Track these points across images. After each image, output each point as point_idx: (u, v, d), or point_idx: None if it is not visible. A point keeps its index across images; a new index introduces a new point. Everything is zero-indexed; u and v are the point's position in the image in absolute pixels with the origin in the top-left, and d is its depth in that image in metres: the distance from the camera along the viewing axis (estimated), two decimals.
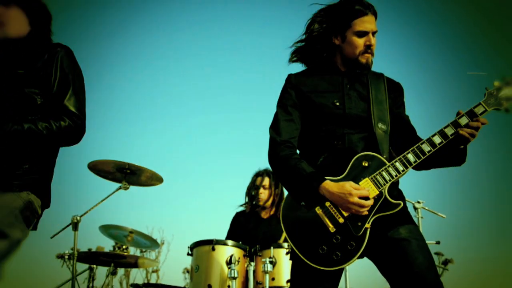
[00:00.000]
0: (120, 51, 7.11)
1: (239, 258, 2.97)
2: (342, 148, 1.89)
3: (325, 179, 1.79)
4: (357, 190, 1.75)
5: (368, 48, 1.98)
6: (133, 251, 5.65)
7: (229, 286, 2.89)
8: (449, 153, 1.90)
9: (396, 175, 1.81)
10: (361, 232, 1.76)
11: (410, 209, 3.16)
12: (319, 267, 1.74)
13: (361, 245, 1.75)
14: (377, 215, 1.79)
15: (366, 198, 1.76)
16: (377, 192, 1.80)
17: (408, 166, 1.83)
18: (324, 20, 2.05)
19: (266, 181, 3.78)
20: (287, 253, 3.02)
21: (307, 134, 1.98)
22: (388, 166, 1.82)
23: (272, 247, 3.01)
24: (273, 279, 2.95)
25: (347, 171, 1.83)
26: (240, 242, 3.16)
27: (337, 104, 1.96)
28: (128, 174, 3.32)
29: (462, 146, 1.88)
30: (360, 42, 1.97)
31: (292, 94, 2.02)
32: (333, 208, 1.79)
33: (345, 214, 1.78)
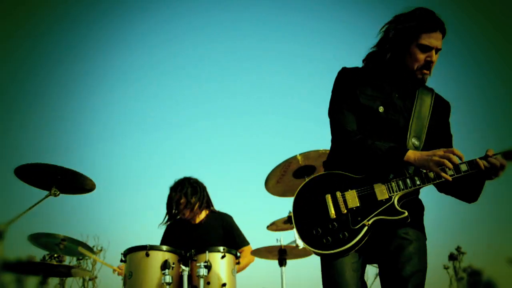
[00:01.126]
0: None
1: (173, 263, 2.93)
2: None
3: (408, 150, 1.88)
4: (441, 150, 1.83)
5: (428, 64, 2.01)
6: (69, 259, 5.46)
7: None
8: (466, 187, 1.98)
9: (410, 187, 1.90)
10: (357, 226, 1.86)
11: None
12: (307, 246, 1.87)
13: (353, 238, 1.83)
14: (379, 217, 1.87)
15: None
16: (387, 197, 1.90)
17: (426, 182, 1.90)
18: (397, 28, 2.03)
19: (183, 199, 3.75)
20: (222, 257, 3.02)
21: None
22: (407, 177, 1.91)
23: (207, 251, 3.00)
24: (208, 283, 2.93)
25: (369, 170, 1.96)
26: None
27: (381, 110, 2.03)
28: (58, 180, 3.19)
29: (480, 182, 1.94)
30: (421, 56, 1.99)
31: (347, 87, 2.06)
32: (341, 199, 1.92)
33: (350, 205, 1.90)
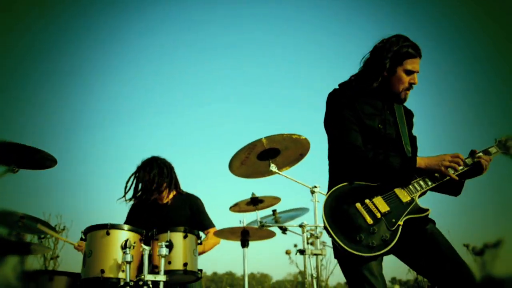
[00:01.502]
0: None
1: (134, 242, 2.91)
2: None
3: (416, 158, 2.24)
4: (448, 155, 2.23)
5: (411, 86, 2.35)
6: (30, 238, 5.34)
7: (123, 270, 2.83)
8: (451, 184, 2.33)
9: (425, 187, 2.24)
10: (394, 227, 2.10)
11: (307, 193, 3.30)
12: (359, 254, 2.03)
13: (394, 238, 2.08)
14: (408, 216, 2.15)
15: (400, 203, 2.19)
16: (409, 198, 2.20)
17: (436, 181, 2.25)
18: (381, 55, 2.34)
19: (150, 180, 3.67)
20: (184, 237, 3.02)
21: None
22: (420, 179, 2.25)
23: (169, 231, 2.99)
24: (169, 262, 2.92)
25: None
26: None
27: (380, 127, 2.32)
28: (17, 156, 3.11)
29: (463, 180, 2.33)
30: (406, 79, 2.33)
31: (349, 108, 2.31)
32: (372, 205, 2.14)
33: (382, 210, 2.13)
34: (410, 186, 2.24)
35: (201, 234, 3.69)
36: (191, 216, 3.73)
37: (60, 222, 6.47)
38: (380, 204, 2.15)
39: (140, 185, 3.76)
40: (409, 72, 2.33)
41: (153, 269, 2.91)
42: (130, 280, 2.75)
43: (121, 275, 2.81)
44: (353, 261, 2.10)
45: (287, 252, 6.20)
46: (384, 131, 2.33)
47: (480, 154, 2.31)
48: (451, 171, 2.21)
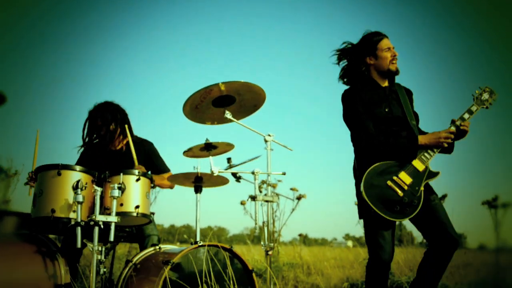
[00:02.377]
0: None
1: (86, 183, 2.90)
2: None
3: (418, 137, 2.88)
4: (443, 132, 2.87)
5: (394, 57, 3.03)
6: None
7: (74, 211, 2.83)
8: (446, 148, 2.96)
9: (433, 154, 2.90)
10: (418, 193, 2.80)
11: (261, 141, 3.35)
12: (396, 220, 2.76)
13: (420, 201, 2.78)
14: (426, 181, 2.85)
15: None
16: (424, 167, 2.86)
17: (436, 151, 2.90)
18: (356, 50, 3.13)
19: (103, 125, 3.70)
20: (137, 180, 3.03)
21: None
22: (426, 150, 2.89)
23: (122, 174, 2.99)
24: (121, 204, 2.95)
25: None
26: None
27: (386, 110, 2.98)
28: None
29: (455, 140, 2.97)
30: (387, 54, 3.02)
31: (360, 104, 2.95)
32: (399, 180, 2.80)
33: (407, 183, 2.80)
34: (422, 156, 2.87)
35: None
36: (145, 162, 3.75)
37: (11, 166, 6.33)
38: (405, 178, 2.81)
39: (93, 131, 3.72)
40: (387, 49, 3.02)
41: (105, 211, 2.93)
42: (81, 220, 2.76)
43: (72, 215, 2.82)
44: (377, 223, 2.80)
45: (242, 203, 6.34)
46: (391, 113, 2.97)
47: (459, 121, 2.91)
48: (444, 144, 2.86)
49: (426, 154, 2.89)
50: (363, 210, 2.86)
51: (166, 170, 3.88)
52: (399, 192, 2.78)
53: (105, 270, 3.01)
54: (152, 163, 3.83)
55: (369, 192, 2.77)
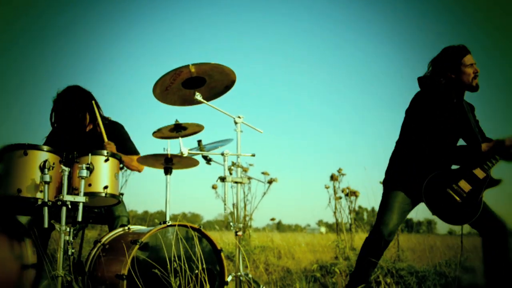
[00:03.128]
0: None
1: (53, 163, 2.88)
2: None
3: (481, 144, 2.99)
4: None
5: (476, 74, 3.07)
6: None
7: (41, 191, 2.80)
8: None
9: (495, 162, 3.02)
10: (478, 200, 2.96)
11: (231, 123, 3.37)
12: (459, 225, 3.08)
13: (479, 208, 2.95)
14: (487, 189, 3.00)
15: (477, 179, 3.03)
16: (485, 175, 3.01)
17: (501, 158, 3.03)
18: (439, 62, 3.16)
19: (71, 103, 3.65)
20: (105, 161, 3.02)
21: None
22: (488, 160, 3.02)
23: (90, 154, 2.97)
24: (89, 185, 2.93)
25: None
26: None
27: (451, 123, 3.12)
28: None
29: None
30: (470, 71, 3.05)
31: (432, 112, 3.05)
32: (458, 188, 3.00)
33: (466, 190, 2.99)
34: (484, 165, 3.01)
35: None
36: (116, 144, 3.73)
37: None
38: (464, 186, 3.00)
39: (60, 119, 3.68)
40: (471, 65, 3.05)
41: (73, 191, 2.91)
42: (48, 200, 2.74)
43: (39, 195, 2.79)
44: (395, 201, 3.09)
45: (213, 187, 6.37)
46: (460, 123, 3.15)
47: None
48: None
49: (488, 162, 3.02)
50: (387, 186, 3.19)
51: (136, 153, 3.87)
52: (457, 199, 2.99)
53: (73, 251, 3.00)
54: (122, 145, 3.81)
55: (431, 202, 3.01)
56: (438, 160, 3.05)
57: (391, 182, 3.22)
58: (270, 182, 6.43)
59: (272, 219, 7.34)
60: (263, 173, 6.49)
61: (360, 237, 6.66)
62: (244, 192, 6.58)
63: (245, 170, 6.28)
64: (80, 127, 3.69)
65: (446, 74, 3.10)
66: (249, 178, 5.98)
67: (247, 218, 6.42)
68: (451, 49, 3.11)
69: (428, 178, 3.02)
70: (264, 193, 6.40)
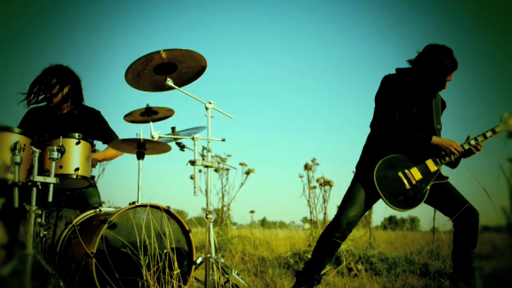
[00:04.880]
0: None
1: (24, 145, 2.92)
2: None
3: (433, 136, 3.12)
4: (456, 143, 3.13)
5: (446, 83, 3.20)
6: None
7: (12, 172, 2.85)
8: (453, 162, 3.28)
9: (444, 162, 3.17)
10: (424, 190, 3.10)
11: (202, 109, 3.44)
12: (397, 209, 3.06)
13: (423, 197, 3.09)
14: (434, 182, 3.13)
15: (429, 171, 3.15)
16: (436, 168, 3.15)
17: (449, 159, 3.17)
18: (429, 66, 3.14)
19: (55, 81, 3.66)
20: (77, 143, 3.07)
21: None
22: (442, 155, 3.17)
23: (61, 137, 3.02)
24: (60, 167, 2.98)
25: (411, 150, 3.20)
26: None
27: (415, 111, 3.19)
28: None
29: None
30: (445, 85, 3.21)
31: (394, 92, 3.19)
32: (410, 174, 3.11)
33: (416, 178, 3.11)
34: (437, 159, 3.16)
35: (100, 145, 3.78)
36: (93, 130, 3.77)
37: None
38: (415, 173, 3.12)
39: (43, 89, 3.69)
40: (448, 80, 3.17)
41: (44, 173, 2.95)
42: (19, 181, 2.79)
43: (9, 176, 2.84)
44: (358, 193, 3.17)
45: (191, 177, 6.42)
46: (418, 114, 3.19)
47: (473, 141, 3.18)
48: (453, 151, 3.11)
49: (441, 158, 3.17)
50: (355, 179, 3.27)
51: (115, 137, 3.90)
52: (407, 184, 3.10)
53: (45, 233, 3.05)
54: (101, 132, 3.85)
55: (379, 179, 3.08)
56: (391, 135, 3.14)
57: (355, 174, 3.32)
58: (247, 173, 6.51)
59: (252, 211, 7.43)
60: (240, 163, 6.57)
61: None
62: (222, 183, 6.66)
63: (223, 160, 6.34)
64: (61, 103, 3.70)
65: (426, 71, 3.16)
66: (219, 163, 6.06)
67: (225, 209, 6.50)
68: (445, 56, 3.13)
69: (383, 158, 3.12)
70: (242, 184, 6.47)
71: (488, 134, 3.21)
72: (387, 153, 3.16)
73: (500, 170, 3.06)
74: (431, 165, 3.16)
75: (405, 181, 3.10)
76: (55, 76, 3.66)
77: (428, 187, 3.11)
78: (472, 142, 3.20)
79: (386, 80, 3.25)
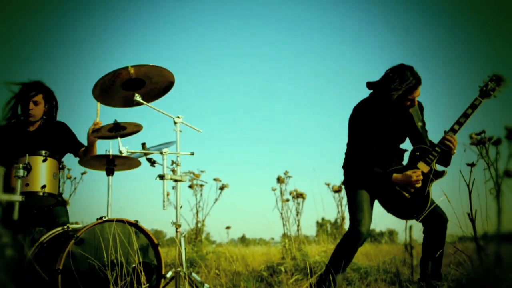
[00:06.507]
0: None
1: None
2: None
3: (393, 174, 3.19)
4: (414, 173, 3.14)
5: (413, 104, 3.22)
6: None
7: None
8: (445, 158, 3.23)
9: (436, 154, 3.16)
10: (425, 193, 3.15)
11: (170, 124, 3.47)
12: (409, 220, 3.25)
13: (428, 200, 3.14)
14: (432, 181, 3.16)
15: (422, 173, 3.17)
16: (429, 168, 3.16)
17: (439, 152, 3.17)
18: (390, 88, 3.14)
19: (39, 97, 3.67)
20: (43, 161, 3.06)
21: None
22: (430, 152, 3.18)
23: (27, 154, 3.01)
24: (27, 184, 2.97)
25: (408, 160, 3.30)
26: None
27: (385, 138, 3.31)
28: None
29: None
30: (411, 100, 3.20)
31: (367, 123, 3.26)
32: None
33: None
34: (427, 159, 3.17)
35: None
36: (66, 142, 3.76)
37: None
38: None
39: (22, 106, 3.67)
40: (414, 97, 3.14)
41: (10, 190, 2.93)
42: None
43: None
44: (359, 200, 3.24)
45: (167, 194, 6.41)
46: (390, 140, 3.31)
47: (450, 133, 3.14)
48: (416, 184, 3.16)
49: (430, 156, 3.17)
50: (350, 187, 3.32)
51: (83, 144, 3.88)
52: (406, 195, 3.16)
53: (12, 252, 3.01)
54: (72, 143, 3.84)
55: (380, 200, 3.25)
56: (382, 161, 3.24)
57: (353, 181, 3.35)
58: (221, 188, 6.53)
59: (228, 227, 7.42)
60: (214, 179, 6.59)
61: (305, 238, 6.85)
62: (196, 199, 6.66)
63: (196, 176, 6.36)
64: (35, 121, 3.69)
65: (391, 92, 3.13)
66: (192, 179, 6.07)
67: (199, 225, 6.49)
68: (409, 78, 3.10)
69: (376, 177, 3.18)
70: (216, 200, 6.49)
71: (462, 120, 3.14)
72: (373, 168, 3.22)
73: (460, 175, 3.16)
74: (423, 166, 3.17)
75: (404, 192, 3.17)
76: (41, 92, 3.65)
77: (429, 188, 3.15)
78: (449, 135, 3.16)
79: (357, 110, 3.30)
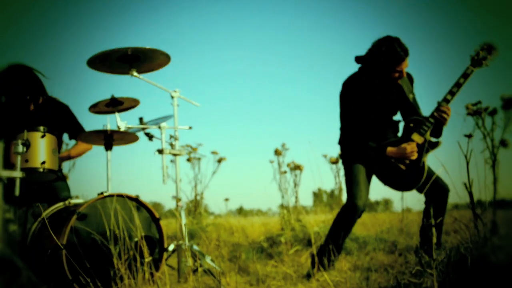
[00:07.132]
0: None
1: None
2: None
3: (387, 148, 3.20)
4: (408, 145, 3.16)
5: (401, 76, 3.19)
6: None
7: None
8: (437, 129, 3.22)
9: (430, 125, 3.14)
10: (421, 164, 3.18)
11: (168, 98, 3.46)
12: (406, 191, 3.26)
13: (423, 171, 3.17)
14: (428, 153, 3.20)
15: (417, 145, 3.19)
16: (422, 139, 3.17)
17: (431, 124, 3.16)
18: (378, 60, 3.15)
19: (18, 91, 3.61)
20: (42, 137, 3.05)
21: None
22: (424, 123, 3.17)
23: (25, 131, 3.00)
24: (26, 161, 2.97)
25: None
26: None
27: (383, 106, 3.34)
28: None
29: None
30: (397, 74, 3.17)
31: (356, 96, 3.28)
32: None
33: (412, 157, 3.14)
34: (420, 130, 3.17)
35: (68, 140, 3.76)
36: (61, 123, 3.74)
37: None
38: None
39: (4, 96, 3.64)
40: (398, 71, 3.12)
41: (10, 168, 2.93)
42: None
43: None
44: (356, 173, 3.25)
45: (163, 167, 6.43)
46: (382, 113, 3.31)
47: (443, 103, 3.10)
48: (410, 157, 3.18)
49: (424, 126, 3.16)
50: (346, 162, 3.34)
51: (83, 130, 3.87)
52: (402, 167, 3.18)
53: (15, 228, 3.04)
54: (68, 125, 3.81)
55: (377, 174, 3.27)
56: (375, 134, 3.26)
57: (349, 156, 3.37)
58: (219, 161, 6.55)
59: (226, 199, 7.48)
60: (212, 152, 6.61)
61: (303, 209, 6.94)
62: (194, 172, 6.69)
63: (194, 150, 6.38)
64: (24, 104, 3.66)
65: (379, 65, 3.15)
66: (190, 153, 6.10)
67: (198, 197, 6.55)
68: (396, 49, 3.06)
69: (370, 152, 3.21)
70: (214, 172, 6.52)
71: (454, 89, 3.11)
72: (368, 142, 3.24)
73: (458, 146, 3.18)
74: (417, 138, 3.18)
75: (400, 164, 3.19)
76: (26, 93, 3.59)
77: (424, 159, 3.18)
78: (443, 104, 3.13)
79: (346, 85, 3.29)
